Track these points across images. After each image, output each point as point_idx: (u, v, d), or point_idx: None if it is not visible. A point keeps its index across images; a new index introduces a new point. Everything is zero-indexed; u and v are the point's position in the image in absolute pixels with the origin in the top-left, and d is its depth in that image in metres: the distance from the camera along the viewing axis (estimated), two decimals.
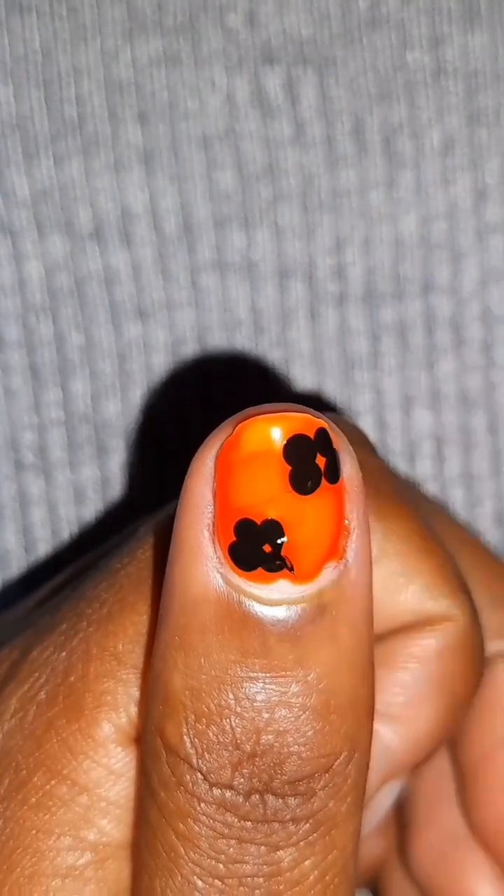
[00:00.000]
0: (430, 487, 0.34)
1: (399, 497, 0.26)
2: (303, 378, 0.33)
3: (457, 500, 0.34)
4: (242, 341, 0.33)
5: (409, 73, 0.32)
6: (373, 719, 0.23)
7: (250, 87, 0.32)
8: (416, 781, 0.29)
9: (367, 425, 0.34)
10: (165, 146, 0.32)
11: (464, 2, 0.32)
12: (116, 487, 0.34)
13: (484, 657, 0.27)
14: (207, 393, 0.33)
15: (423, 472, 0.34)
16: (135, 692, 0.23)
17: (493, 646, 0.28)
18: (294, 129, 0.32)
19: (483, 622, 0.27)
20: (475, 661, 0.27)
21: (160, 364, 0.33)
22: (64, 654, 0.24)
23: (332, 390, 0.34)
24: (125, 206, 0.32)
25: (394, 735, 0.26)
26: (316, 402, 0.33)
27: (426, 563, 0.26)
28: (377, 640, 0.26)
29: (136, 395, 0.33)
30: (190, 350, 0.33)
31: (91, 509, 0.34)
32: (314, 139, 0.32)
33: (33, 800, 0.23)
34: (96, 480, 0.33)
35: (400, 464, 0.34)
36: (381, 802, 0.28)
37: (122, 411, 0.33)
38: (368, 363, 0.33)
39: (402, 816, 0.30)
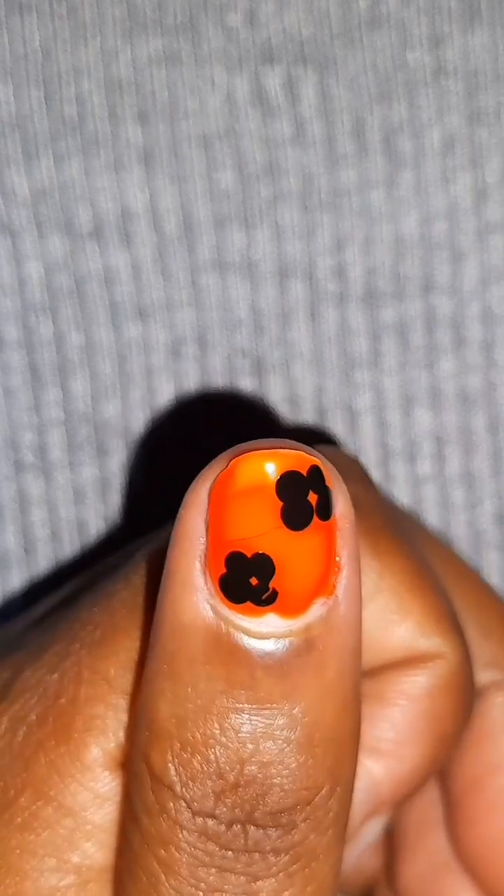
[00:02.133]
0: (430, 487, 0.34)
1: (395, 533, 0.27)
2: (303, 378, 0.33)
3: (457, 500, 0.34)
4: (242, 341, 0.33)
5: (410, 73, 0.32)
6: (357, 754, 0.23)
7: (250, 87, 0.32)
8: (404, 806, 0.29)
9: (367, 425, 0.34)
10: (165, 146, 0.32)
11: (464, 1, 0.32)
12: (116, 488, 0.34)
13: (473, 694, 0.27)
14: (207, 399, 0.33)
15: (423, 472, 0.34)
16: (124, 717, 0.24)
17: (483, 676, 0.28)
18: (294, 128, 0.32)
19: (474, 652, 0.27)
20: (464, 699, 0.27)
21: (160, 364, 0.33)
22: (56, 675, 0.24)
23: (332, 390, 0.33)
24: (125, 205, 0.32)
25: (381, 770, 0.27)
26: (317, 436, 0.33)
27: (419, 601, 0.26)
28: (369, 674, 0.26)
29: (136, 396, 0.33)
30: (190, 350, 0.33)
31: (91, 510, 0.34)
32: (314, 139, 0.32)
33: (19, 820, 0.23)
34: (96, 481, 0.33)
35: (400, 464, 0.34)
36: (366, 835, 0.28)
37: (122, 411, 0.33)
38: (368, 363, 0.33)
39: (390, 840, 0.30)
